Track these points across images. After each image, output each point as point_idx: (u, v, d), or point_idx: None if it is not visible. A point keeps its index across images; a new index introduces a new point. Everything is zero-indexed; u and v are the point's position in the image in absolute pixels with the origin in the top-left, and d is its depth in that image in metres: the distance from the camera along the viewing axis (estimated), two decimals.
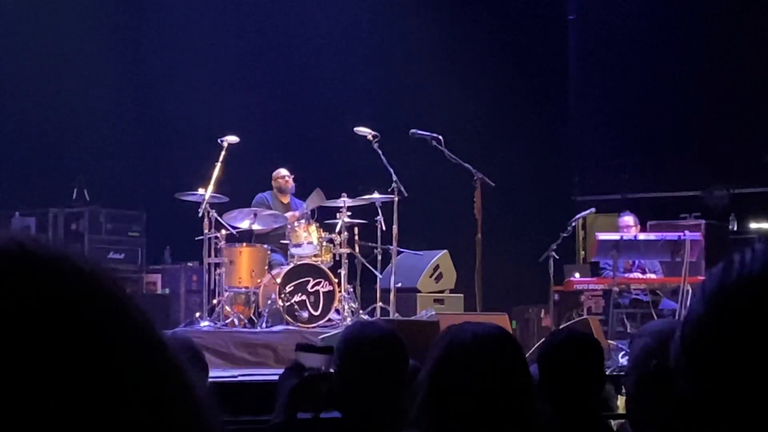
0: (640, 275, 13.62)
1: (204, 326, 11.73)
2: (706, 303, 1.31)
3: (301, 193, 13.34)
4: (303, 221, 12.34)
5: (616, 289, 13.09)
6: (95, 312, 0.90)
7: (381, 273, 12.55)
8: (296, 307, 11.86)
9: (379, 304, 12.33)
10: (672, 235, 13.14)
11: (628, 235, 13.33)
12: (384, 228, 12.30)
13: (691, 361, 1.31)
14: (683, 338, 1.33)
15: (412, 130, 12.51)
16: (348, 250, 12.40)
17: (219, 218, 12.14)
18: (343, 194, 12.41)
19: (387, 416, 3.96)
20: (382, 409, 4.05)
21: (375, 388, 4.12)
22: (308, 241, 12.22)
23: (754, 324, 1.26)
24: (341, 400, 4.19)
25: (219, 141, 12.39)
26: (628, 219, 13.83)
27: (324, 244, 12.30)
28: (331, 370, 4.23)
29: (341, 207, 12.38)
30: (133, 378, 0.88)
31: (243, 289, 12.12)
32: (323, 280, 12.04)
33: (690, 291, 12.14)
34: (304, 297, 11.94)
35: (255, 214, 12.40)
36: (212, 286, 12.24)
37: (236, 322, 11.81)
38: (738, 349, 1.26)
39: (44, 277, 0.89)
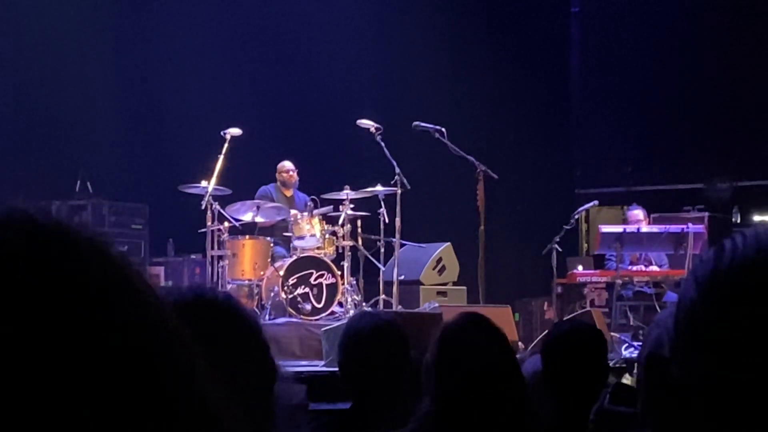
0: (643, 268, 13.63)
1: None
2: (699, 288, 1.32)
3: (304, 186, 13.34)
4: (306, 214, 12.33)
5: (619, 281, 13.10)
6: (98, 281, 0.90)
7: (384, 265, 12.55)
8: (299, 299, 11.85)
9: (382, 296, 12.33)
10: (675, 228, 13.15)
11: (631, 227, 13.34)
12: (387, 220, 12.29)
13: (686, 346, 1.31)
14: (677, 324, 1.33)
15: (415, 123, 12.51)
16: (351, 243, 12.40)
17: (222, 211, 12.14)
18: (346, 187, 12.40)
19: (390, 404, 3.97)
20: (384, 397, 4.06)
21: (375, 377, 4.13)
22: (311, 234, 12.21)
23: (748, 307, 1.27)
24: (345, 390, 4.21)
25: (222, 133, 12.39)
26: (638, 213, 13.83)
27: (327, 236, 12.29)
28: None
29: (344, 199, 12.37)
30: (133, 350, 0.88)
31: (246, 282, 12.13)
32: (326, 273, 12.03)
33: None
34: (306, 289, 11.94)
35: (258, 207, 12.40)
36: (215, 279, 12.24)
37: None
38: (733, 332, 1.27)
39: (48, 245, 0.90)
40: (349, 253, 12.39)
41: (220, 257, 12.20)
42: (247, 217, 12.41)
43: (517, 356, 6.96)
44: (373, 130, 12.34)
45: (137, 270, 0.94)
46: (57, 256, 0.89)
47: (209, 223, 12.10)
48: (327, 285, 12.01)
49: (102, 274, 0.90)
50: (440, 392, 3.61)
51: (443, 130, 12.35)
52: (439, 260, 13.76)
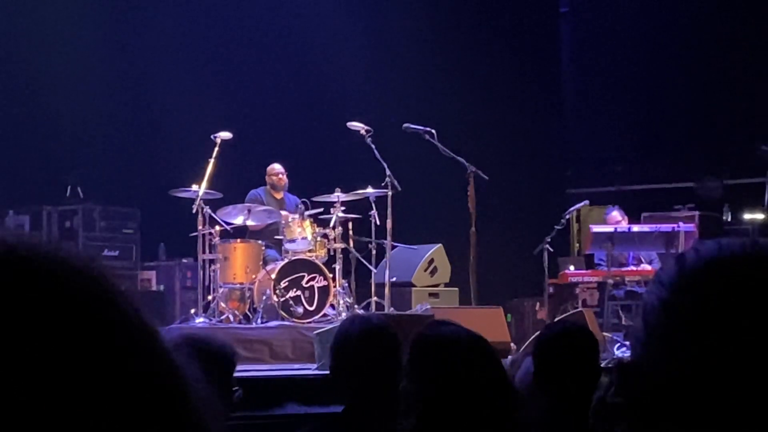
0: (634, 267, 13.65)
1: (199, 323, 11.72)
2: (668, 288, 1.33)
3: (295, 188, 13.34)
4: (297, 216, 12.33)
5: (610, 281, 13.11)
6: (86, 312, 0.90)
7: (375, 267, 12.55)
8: (291, 302, 11.85)
9: (374, 298, 12.33)
10: (666, 227, 13.17)
11: (622, 227, 13.36)
12: (378, 222, 12.30)
13: (658, 349, 1.32)
14: (647, 326, 1.34)
15: (405, 125, 12.51)
16: (342, 245, 12.40)
17: (213, 214, 12.13)
18: (337, 189, 12.40)
19: (382, 408, 3.97)
20: (377, 401, 4.06)
21: (367, 380, 4.12)
22: (302, 237, 12.21)
23: (718, 302, 1.28)
24: (338, 394, 4.20)
25: (212, 137, 12.39)
26: (615, 214, 13.87)
27: (318, 239, 12.29)
28: None
29: (335, 202, 12.37)
30: (123, 376, 0.89)
31: (238, 285, 12.12)
32: (318, 276, 12.03)
33: None
34: (298, 292, 11.93)
35: (249, 210, 12.40)
36: (207, 283, 12.23)
37: (231, 318, 11.80)
38: (707, 329, 1.28)
39: (34, 281, 0.90)
40: (341, 256, 12.39)
41: (212, 261, 12.19)
42: (239, 221, 12.41)
43: (509, 357, 6.96)
44: (363, 132, 12.35)
45: (125, 296, 0.94)
46: (36, 293, 0.89)
47: (200, 227, 12.10)
48: (319, 288, 12.01)
49: (84, 307, 0.90)
50: (419, 399, 3.61)
51: (433, 131, 12.35)
52: (431, 262, 13.77)
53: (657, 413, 1.31)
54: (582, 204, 14.03)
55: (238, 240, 12.37)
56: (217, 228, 12.17)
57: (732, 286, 1.30)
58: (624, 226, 13.53)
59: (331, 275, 12.09)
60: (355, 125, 12.47)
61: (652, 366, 1.32)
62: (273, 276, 11.84)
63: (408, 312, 11.95)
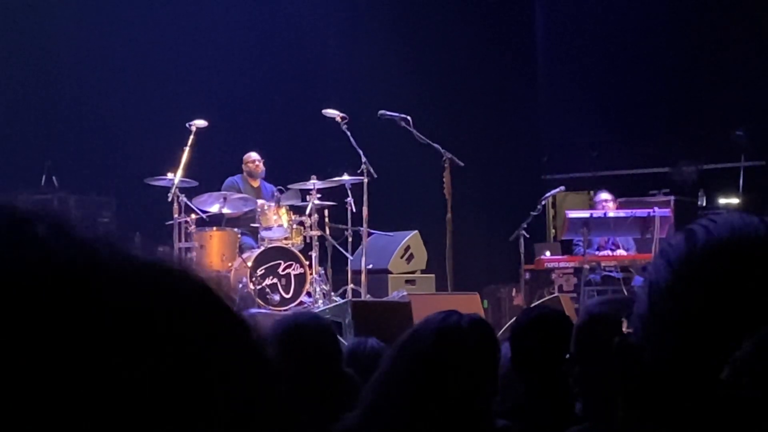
0: (610, 252, 13.68)
1: None
2: (674, 270, 1.32)
3: (271, 176, 13.32)
4: (273, 204, 12.33)
5: (586, 266, 13.13)
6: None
7: (352, 255, 12.55)
8: (268, 290, 11.85)
9: (351, 285, 12.33)
10: (641, 212, 13.20)
11: (598, 212, 13.39)
12: (354, 210, 12.29)
13: (663, 328, 1.31)
14: (652, 306, 1.33)
15: (381, 111, 12.50)
16: (318, 233, 12.39)
17: (189, 203, 12.11)
18: (313, 176, 12.39)
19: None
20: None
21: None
22: (278, 224, 12.21)
23: (725, 286, 1.27)
24: None
25: (187, 125, 12.36)
26: (606, 195, 13.87)
27: (294, 226, 12.29)
28: None
29: (311, 189, 12.37)
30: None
31: None
32: (294, 263, 12.03)
33: None
34: (275, 280, 11.93)
35: (225, 198, 12.38)
36: None
37: None
38: (711, 312, 1.27)
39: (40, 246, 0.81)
40: (317, 243, 12.39)
41: (188, 249, 12.17)
42: (214, 209, 12.39)
43: None
44: (338, 119, 12.33)
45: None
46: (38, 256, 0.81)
47: (176, 216, 12.08)
48: (295, 275, 12.01)
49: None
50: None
51: (409, 118, 12.34)
52: (407, 248, 13.77)
53: (653, 395, 1.30)
54: (558, 190, 14.04)
55: (214, 228, 12.36)
56: (193, 216, 12.16)
57: (741, 276, 1.28)
58: (612, 207, 13.56)
59: (307, 263, 12.10)
60: (331, 112, 12.46)
61: (654, 348, 1.31)
62: (249, 264, 11.84)
63: (385, 299, 11.97)
